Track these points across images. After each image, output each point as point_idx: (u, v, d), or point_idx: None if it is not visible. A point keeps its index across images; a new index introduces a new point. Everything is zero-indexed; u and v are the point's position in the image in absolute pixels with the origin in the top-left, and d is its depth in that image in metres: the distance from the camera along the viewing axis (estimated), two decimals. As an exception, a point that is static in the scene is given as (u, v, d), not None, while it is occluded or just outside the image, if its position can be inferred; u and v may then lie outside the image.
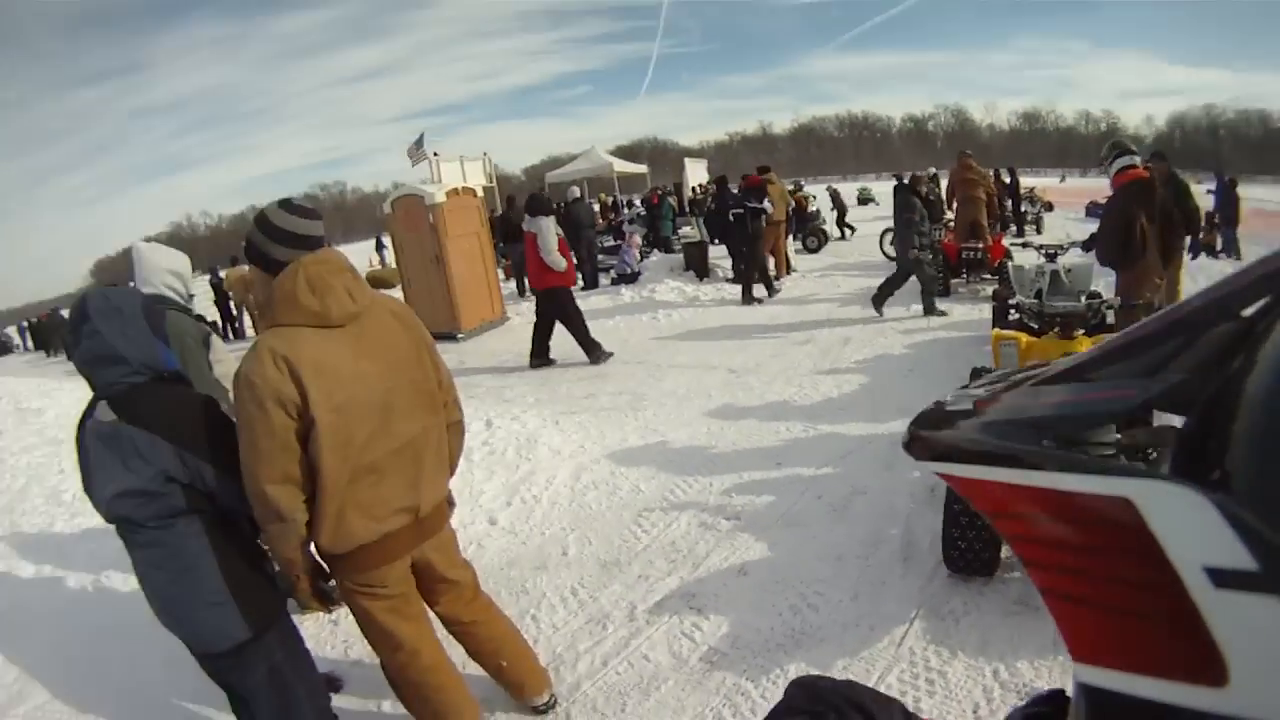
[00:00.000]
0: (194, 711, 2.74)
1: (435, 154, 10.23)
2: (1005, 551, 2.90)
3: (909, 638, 2.59)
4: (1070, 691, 0.41)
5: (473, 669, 2.29)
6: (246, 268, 12.06)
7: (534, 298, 7.21)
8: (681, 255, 11.42)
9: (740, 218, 8.61)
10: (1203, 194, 11.29)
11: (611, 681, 2.41)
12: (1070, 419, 0.39)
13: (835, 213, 15.48)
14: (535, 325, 6.84)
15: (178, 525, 1.75)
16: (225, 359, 2.39)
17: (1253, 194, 18.00)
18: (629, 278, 10.87)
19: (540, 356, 6.87)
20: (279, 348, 1.65)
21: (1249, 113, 66.26)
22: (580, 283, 10.57)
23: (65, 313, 17.88)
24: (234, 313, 13.34)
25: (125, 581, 3.93)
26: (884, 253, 11.00)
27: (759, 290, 8.98)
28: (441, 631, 2.15)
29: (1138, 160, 4.45)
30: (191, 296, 2.62)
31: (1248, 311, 0.35)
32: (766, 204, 8.67)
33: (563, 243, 6.52)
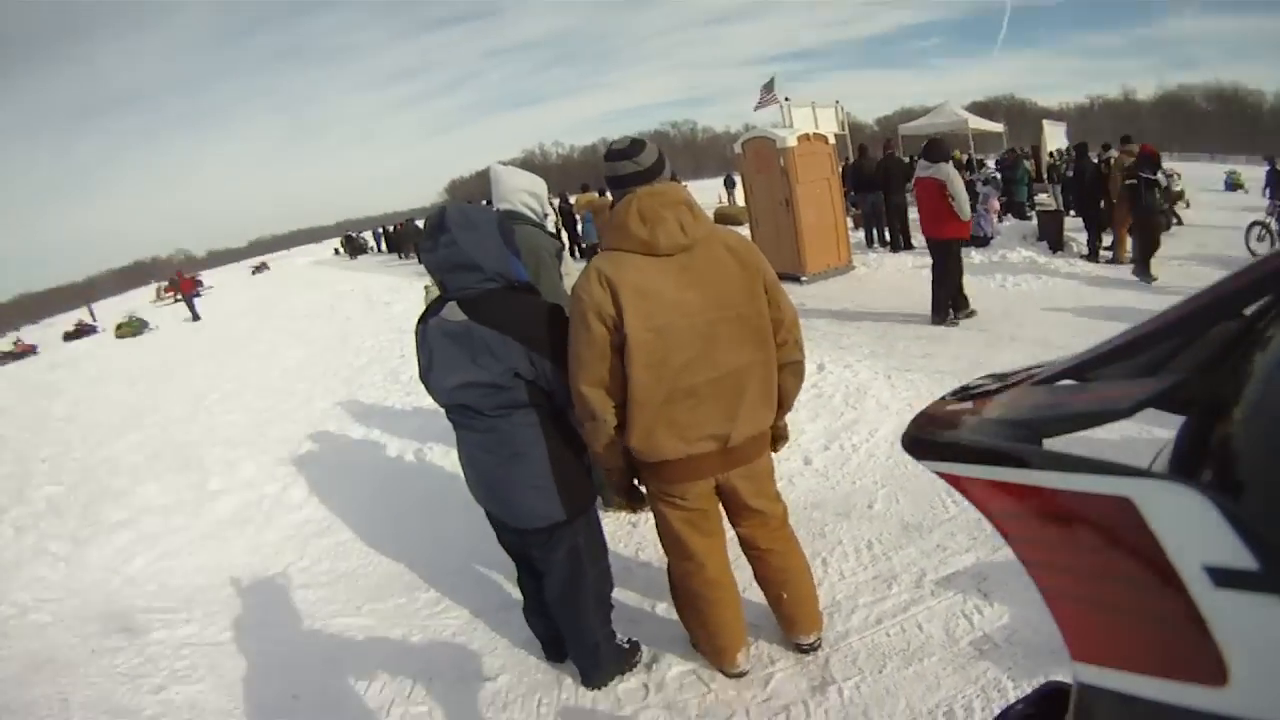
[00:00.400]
0: (482, 574, 3.24)
1: (787, 99, 10.11)
2: None
3: None
4: (1069, 690, 0.41)
5: (753, 595, 2.41)
6: (595, 194, 12.83)
7: (887, 248, 7.21)
8: (1035, 223, 10.49)
9: (1134, 189, 7.72)
10: None
11: (879, 641, 2.44)
12: (1070, 419, 0.38)
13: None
14: (934, 280, 6.49)
15: (515, 416, 2.02)
16: (573, 273, 2.54)
17: None
18: (980, 241, 10.05)
19: (941, 312, 6.44)
20: (605, 269, 1.84)
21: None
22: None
23: (419, 223, 19.64)
24: (579, 235, 13.98)
25: (444, 456, 4.67)
26: (1249, 249, 8.83)
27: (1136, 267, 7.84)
28: (736, 552, 2.27)
29: None
30: (546, 216, 2.81)
31: (1249, 310, 0.35)
32: (1160, 175, 7.77)
33: None
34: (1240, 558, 0.27)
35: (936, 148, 6.23)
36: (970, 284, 7.62)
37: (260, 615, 3.45)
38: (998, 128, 19.03)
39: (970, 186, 10.90)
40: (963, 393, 0.50)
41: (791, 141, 8.57)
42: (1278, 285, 0.33)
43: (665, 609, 2.69)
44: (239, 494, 5.11)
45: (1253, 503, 0.28)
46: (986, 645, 2.41)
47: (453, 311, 1.99)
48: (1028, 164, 13.57)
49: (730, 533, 2.23)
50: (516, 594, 2.65)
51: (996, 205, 11.31)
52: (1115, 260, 8.76)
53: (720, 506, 2.16)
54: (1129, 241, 8.50)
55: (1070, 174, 10.92)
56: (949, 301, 6.46)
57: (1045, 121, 16.97)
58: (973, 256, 9.14)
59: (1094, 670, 0.35)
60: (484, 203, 3.09)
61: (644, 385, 1.86)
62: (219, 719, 2.78)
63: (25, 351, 26.67)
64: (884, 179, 10.44)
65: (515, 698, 2.46)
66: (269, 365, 10.07)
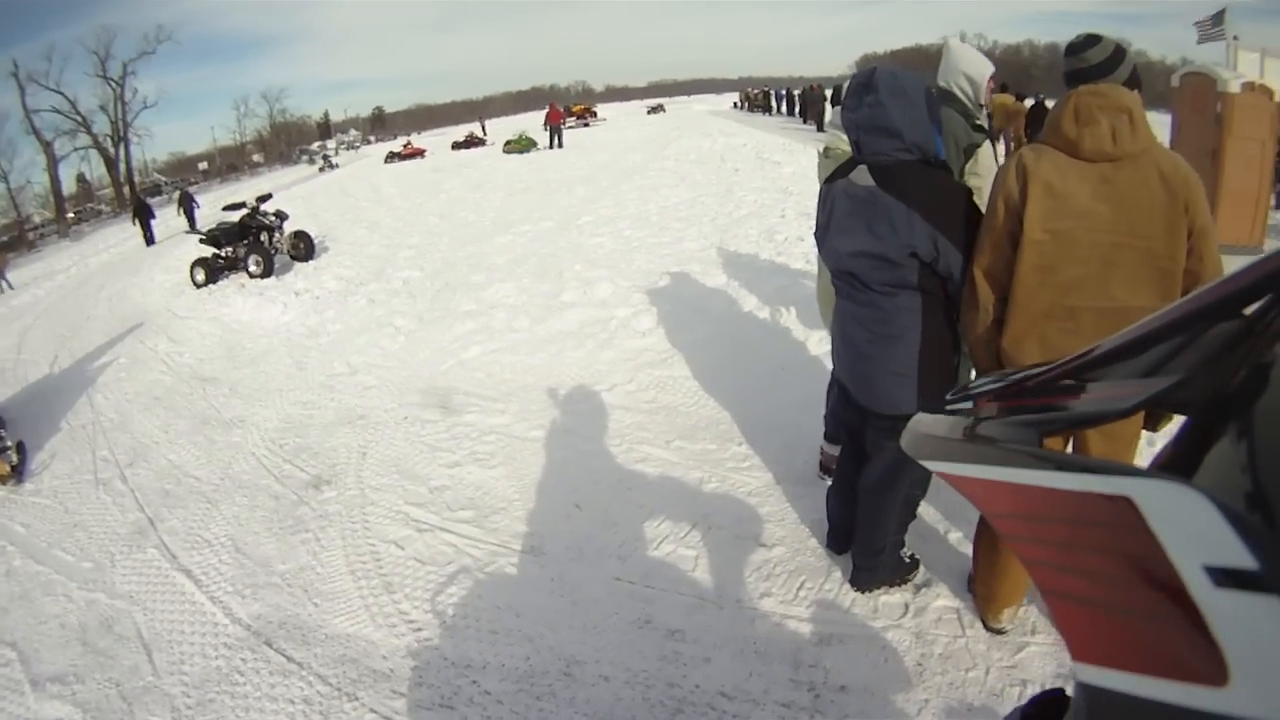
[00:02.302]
0: (795, 444, 3.23)
1: (1235, 37, 8.71)
2: None
3: None
4: (1070, 691, 0.41)
5: None
6: (1011, 97, 11.78)
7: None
8: None
9: None
10: None
11: None
12: (1070, 419, 0.40)
13: None
14: None
15: (900, 297, 1.97)
16: (984, 173, 2.37)
17: None
18: None
19: None
20: (1026, 158, 1.76)
21: None
22: None
23: (827, 90, 19.57)
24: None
25: (798, 322, 4.66)
26: None
27: None
28: None
29: None
30: (980, 106, 2.61)
31: (1249, 310, 0.35)
32: None
33: None
34: (1240, 558, 0.26)
35: None
36: None
37: (572, 423, 3.79)
38: None
39: None
40: (963, 393, 0.50)
41: (1234, 87, 7.36)
42: (1277, 285, 0.33)
43: (959, 539, 2.57)
44: (589, 310, 5.53)
45: (1252, 503, 0.27)
46: None
47: (862, 175, 1.95)
48: None
49: None
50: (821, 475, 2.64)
51: None
52: None
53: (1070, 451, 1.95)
54: None
55: None
56: None
57: None
58: None
59: (1094, 670, 0.34)
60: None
61: (1027, 288, 1.77)
62: (501, 504, 3.12)
63: (414, 154, 30.50)
64: None
65: (781, 572, 2.51)
66: (647, 200, 10.56)
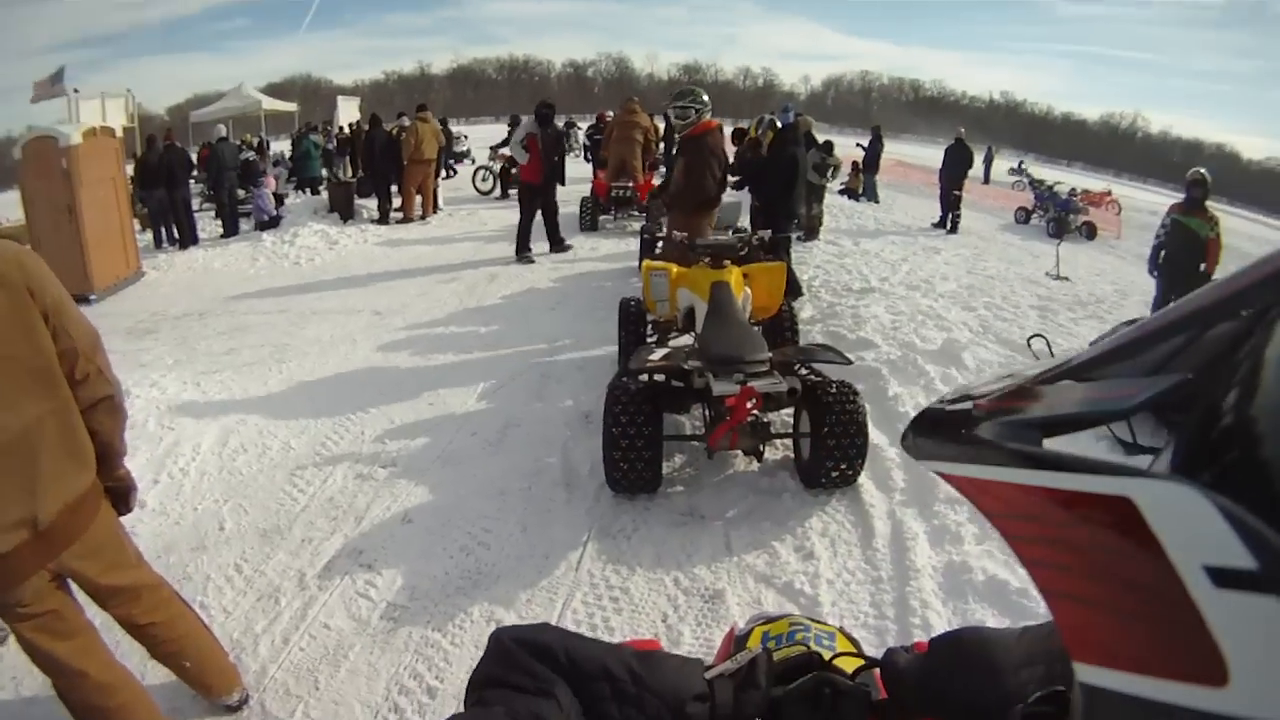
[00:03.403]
0: None
1: (76, 90, 9.29)
2: (666, 468, 3.06)
3: (585, 561, 2.68)
4: (1071, 691, 0.41)
5: (155, 675, 2.04)
6: None
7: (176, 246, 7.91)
8: (326, 196, 10.87)
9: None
10: (853, 146, 15.29)
11: (297, 660, 2.26)
12: (1070, 419, 0.39)
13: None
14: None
15: None
16: None
17: (897, 149, 22.62)
18: (271, 222, 9.83)
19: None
20: None
21: (903, 80, 71.02)
22: (221, 230, 9.83)
23: None
24: None
25: None
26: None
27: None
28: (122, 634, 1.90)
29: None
30: None
31: (1249, 311, 0.35)
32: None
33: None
34: (1240, 558, 0.27)
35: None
36: (262, 270, 7.99)
37: None
38: (291, 107, 19.47)
39: (251, 166, 10.73)
40: (962, 393, 0.48)
41: (76, 139, 7.24)
42: (1278, 285, 0.33)
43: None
44: None
45: (1252, 503, 0.28)
46: (396, 612, 2.43)
47: None
48: (315, 138, 13.63)
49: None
50: None
51: (273, 183, 11.02)
52: (406, 219, 10.00)
53: (71, 599, 1.73)
54: (416, 200, 10.04)
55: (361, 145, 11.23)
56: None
57: (339, 97, 17.80)
58: (264, 240, 8.92)
59: (1094, 670, 0.34)
60: None
61: None
62: None
63: None
64: (168, 172, 9.36)
65: None
66: None
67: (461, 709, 0.58)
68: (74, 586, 1.72)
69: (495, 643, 0.62)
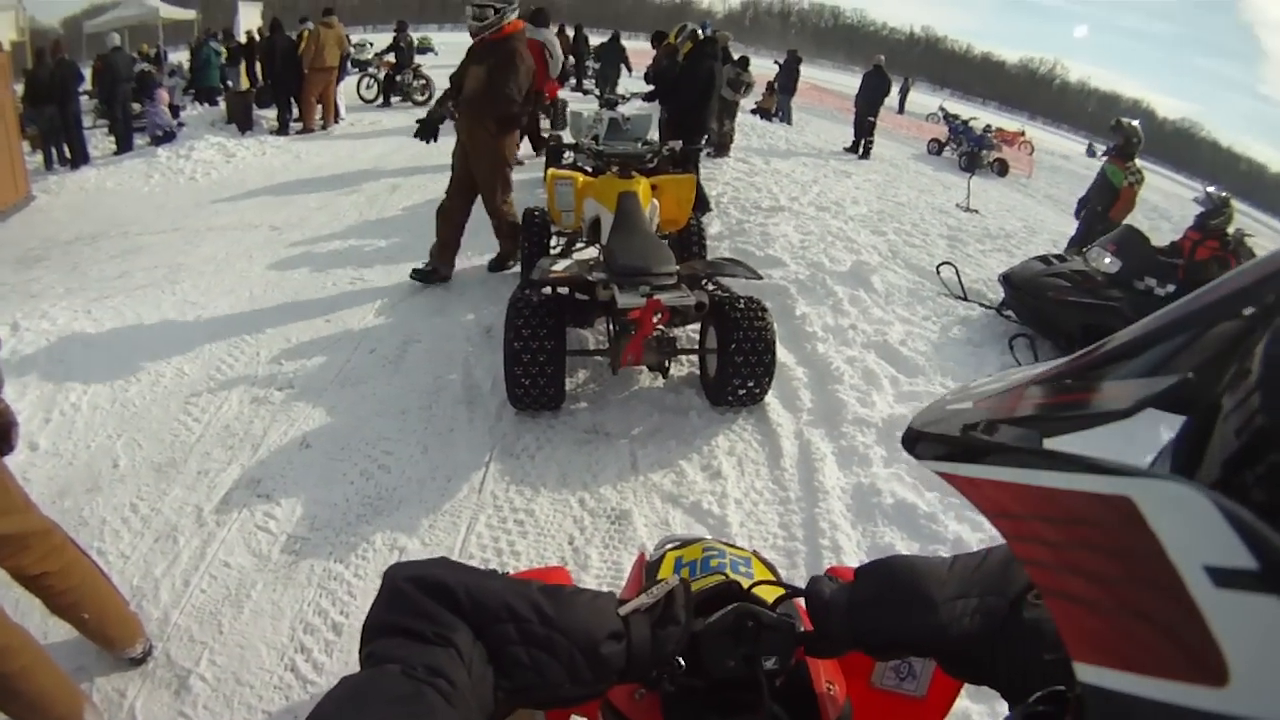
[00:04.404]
0: None
1: None
2: (570, 384, 3.00)
3: (488, 482, 2.62)
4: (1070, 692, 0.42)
5: (58, 632, 1.99)
6: None
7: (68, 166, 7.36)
8: (223, 107, 10.46)
9: None
10: (770, 65, 15.27)
11: (199, 602, 2.20)
12: (1070, 419, 0.38)
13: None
14: None
15: None
16: None
17: (813, 74, 21.82)
18: (166, 137, 9.42)
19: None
20: None
21: (823, 6, 70.91)
22: (114, 147, 9.37)
23: None
24: None
25: None
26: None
27: None
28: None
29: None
30: None
31: (1250, 310, 0.35)
32: None
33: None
34: (1240, 558, 0.27)
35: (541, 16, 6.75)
36: (156, 186, 7.64)
37: None
38: (190, 14, 18.43)
39: (146, 78, 9.98)
40: (963, 392, 0.48)
41: None
42: (1278, 285, 0.33)
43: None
44: None
45: (1252, 503, 0.28)
46: (297, 545, 2.38)
47: None
48: (215, 45, 12.97)
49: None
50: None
51: (166, 96, 10.41)
52: (306, 130, 9.61)
53: None
54: (316, 109, 9.68)
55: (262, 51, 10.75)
56: None
57: (240, 2, 16.59)
58: (159, 155, 8.51)
59: (1094, 670, 0.34)
60: None
61: None
62: None
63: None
64: (60, 89, 8.79)
65: None
66: None
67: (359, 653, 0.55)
68: None
69: (389, 583, 0.58)
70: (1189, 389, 0.35)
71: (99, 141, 9.65)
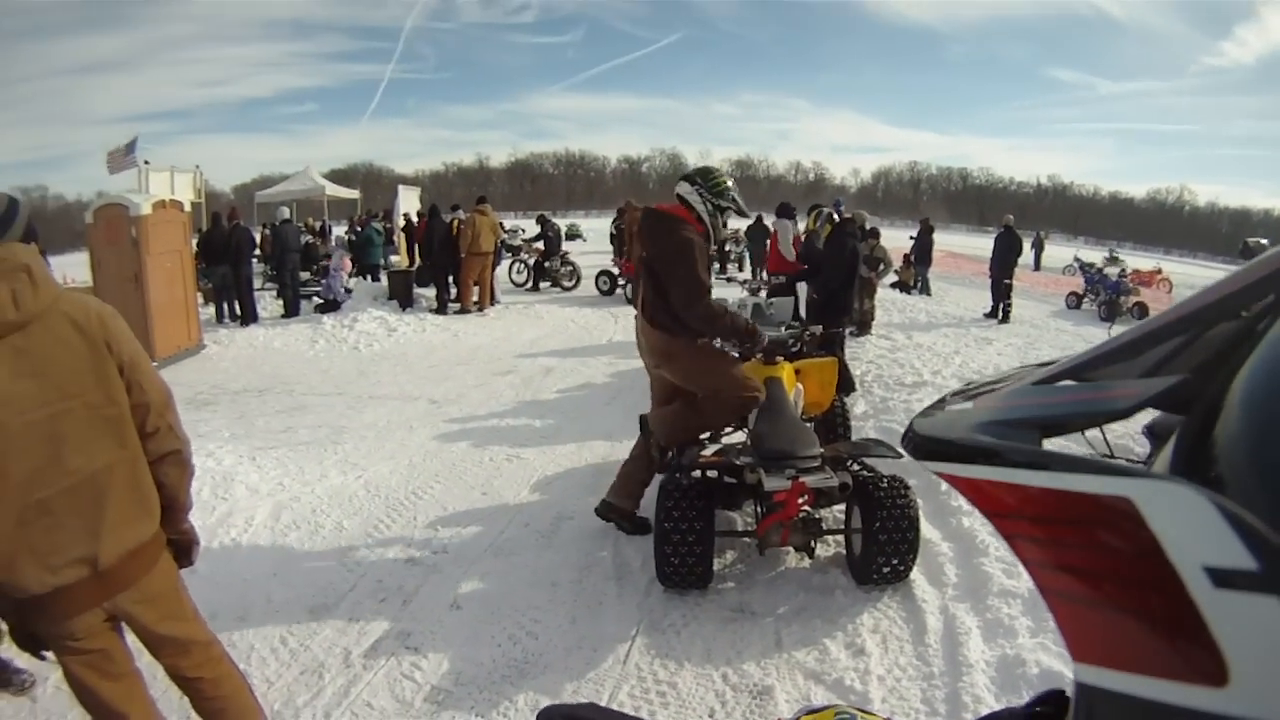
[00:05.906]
0: None
1: (146, 162, 9.53)
2: (718, 564, 3.06)
3: (633, 654, 2.64)
4: (1070, 691, 0.41)
5: None
6: None
7: (238, 323, 8.05)
8: (385, 283, 11.10)
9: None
10: (904, 239, 15.83)
11: None
12: (1070, 419, 0.39)
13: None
14: None
15: None
16: None
17: (947, 239, 22.37)
18: (331, 305, 10.13)
19: None
20: None
21: (950, 169, 73.92)
22: (282, 310, 10.17)
23: None
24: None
25: None
26: (598, 288, 12.13)
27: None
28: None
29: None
30: None
31: (1248, 311, 0.35)
32: None
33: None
34: (1240, 558, 0.27)
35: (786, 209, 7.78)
36: (321, 351, 8.24)
37: None
38: (353, 194, 20.15)
39: (312, 250, 11.46)
40: (963, 393, 0.49)
41: (146, 209, 7.58)
42: (1278, 285, 0.34)
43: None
44: None
45: (1252, 503, 0.28)
46: (440, 696, 2.41)
47: None
48: (378, 225, 14.03)
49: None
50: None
51: (349, 264, 11.24)
52: (463, 310, 10.16)
53: (122, 642, 1.76)
54: (473, 291, 10.26)
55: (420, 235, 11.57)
56: None
57: (400, 187, 17.82)
58: (325, 323, 9.15)
59: (1094, 670, 0.35)
60: None
61: None
62: None
63: None
64: (235, 251, 9.68)
65: None
66: None
67: None
68: (129, 633, 1.76)
69: (543, 714, 0.61)
70: (1189, 389, 0.35)
71: (268, 303, 10.49)
